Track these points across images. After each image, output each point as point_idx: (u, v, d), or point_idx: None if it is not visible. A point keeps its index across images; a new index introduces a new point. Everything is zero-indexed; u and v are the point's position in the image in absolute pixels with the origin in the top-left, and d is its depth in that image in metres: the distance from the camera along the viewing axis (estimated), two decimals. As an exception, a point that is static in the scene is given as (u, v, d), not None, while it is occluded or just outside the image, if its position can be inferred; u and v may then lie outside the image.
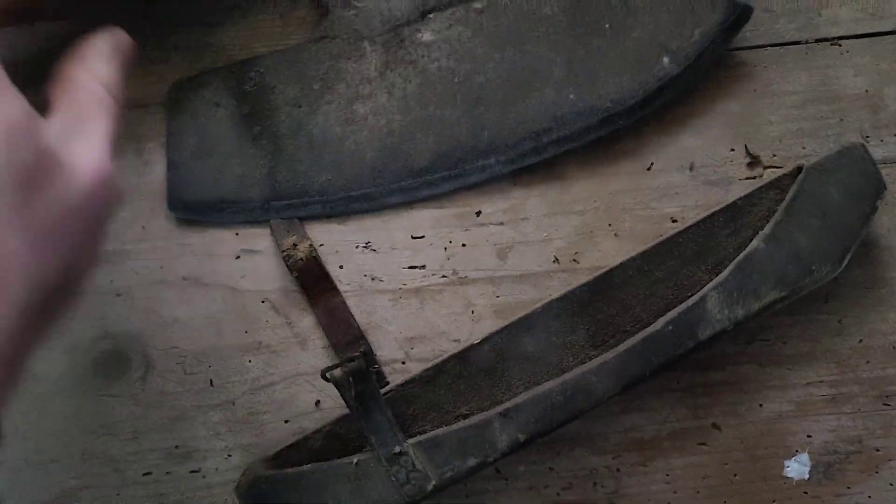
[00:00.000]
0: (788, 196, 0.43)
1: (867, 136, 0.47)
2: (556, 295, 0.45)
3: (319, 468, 0.41)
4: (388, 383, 0.45)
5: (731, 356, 0.47)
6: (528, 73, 0.46)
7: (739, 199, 0.45)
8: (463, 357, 0.44)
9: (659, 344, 0.42)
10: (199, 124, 0.46)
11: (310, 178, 0.46)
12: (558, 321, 0.44)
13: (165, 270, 0.47)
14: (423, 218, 0.47)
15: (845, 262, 0.43)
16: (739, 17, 0.45)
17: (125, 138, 0.47)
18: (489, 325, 0.47)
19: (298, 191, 0.46)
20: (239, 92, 0.46)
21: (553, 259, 0.48)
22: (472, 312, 0.47)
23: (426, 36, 0.45)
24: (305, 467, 0.42)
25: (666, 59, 0.45)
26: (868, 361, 0.47)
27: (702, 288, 0.43)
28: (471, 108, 0.46)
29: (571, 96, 0.45)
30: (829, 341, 0.47)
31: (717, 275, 0.43)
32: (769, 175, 0.47)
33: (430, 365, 0.44)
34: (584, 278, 0.45)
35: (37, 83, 0.34)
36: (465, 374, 0.44)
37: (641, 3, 0.45)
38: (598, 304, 0.45)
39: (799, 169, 0.44)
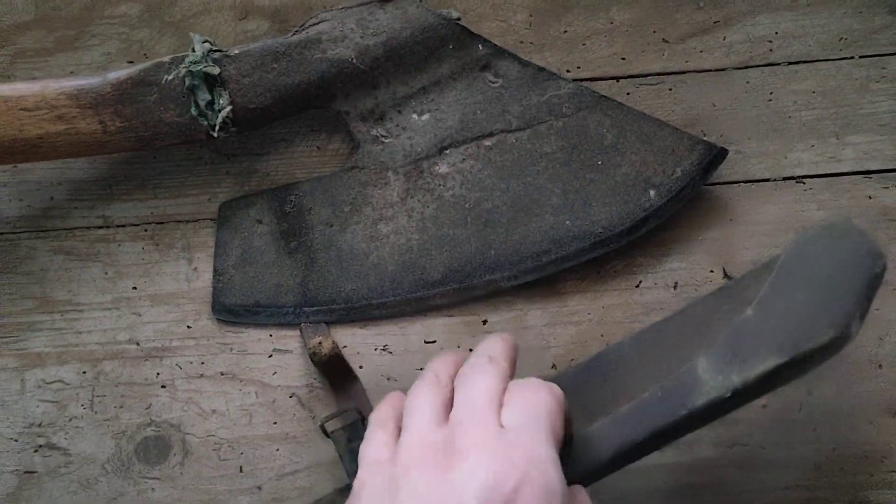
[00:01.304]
0: (780, 260, 0.42)
1: (831, 262, 0.55)
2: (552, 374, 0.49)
3: None
4: None
5: (712, 459, 0.53)
6: (529, 201, 0.54)
7: (734, 280, 0.46)
8: None
9: (649, 411, 0.40)
10: (243, 238, 0.54)
11: (337, 287, 0.54)
12: None
13: (206, 366, 0.54)
14: (435, 325, 0.55)
15: (852, 328, 0.39)
16: (715, 157, 0.53)
17: (179, 249, 0.55)
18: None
19: (326, 298, 0.54)
20: (280, 212, 0.54)
21: (551, 365, 0.54)
22: (478, 411, 0.54)
23: (443, 168, 0.54)
24: None
25: (651, 192, 0.53)
26: (842, 468, 0.53)
27: None
28: (480, 229, 0.54)
29: (567, 222, 0.54)
30: (805, 448, 0.53)
31: None
32: (744, 294, 0.55)
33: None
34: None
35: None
36: None
37: (630, 144, 0.54)
38: (591, 384, 0.46)
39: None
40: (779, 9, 0.57)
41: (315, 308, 0.54)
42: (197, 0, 0.56)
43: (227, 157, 0.56)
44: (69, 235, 0.55)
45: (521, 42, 0.57)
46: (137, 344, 0.54)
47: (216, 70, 0.50)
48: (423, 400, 0.40)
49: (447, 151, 0.54)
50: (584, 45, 0.57)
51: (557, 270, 0.54)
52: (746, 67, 0.57)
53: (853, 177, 0.56)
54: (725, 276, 0.55)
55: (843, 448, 0.53)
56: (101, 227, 0.56)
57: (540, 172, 0.54)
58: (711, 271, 0.55)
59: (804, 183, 0.56)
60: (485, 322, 0.55)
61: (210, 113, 0.50)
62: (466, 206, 0.54)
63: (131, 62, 0.56)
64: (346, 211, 0.54)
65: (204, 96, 0.50)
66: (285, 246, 0.54)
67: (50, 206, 0.56)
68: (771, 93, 0.56)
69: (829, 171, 0.56)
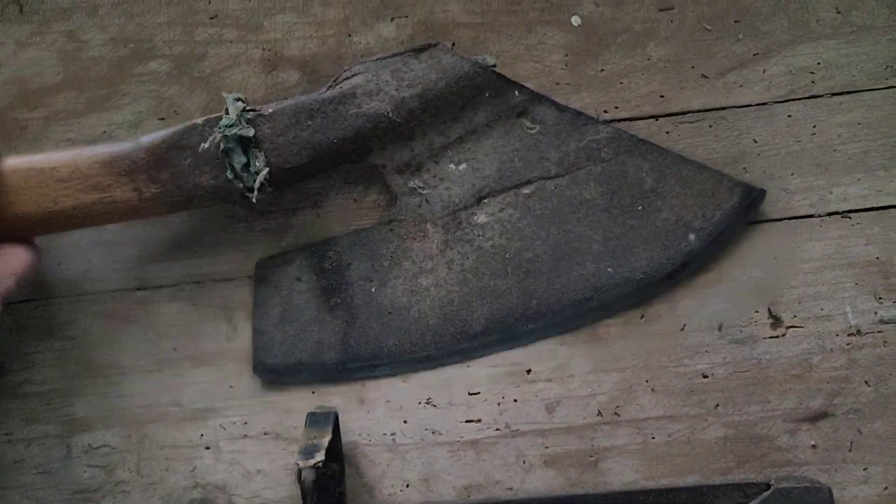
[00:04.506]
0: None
1: (881, 299, 0.56)
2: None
3: None
4: None
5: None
6: (570, 249, 0.56)
7: (707, 485, 0.54)
8: None
9: None
10: (282, 296, 0.57)
11: (379, 342, 0.56)
12: None
13: (249, 426, 0.57)
14: (478, 376, 0.57)
15: None
16: (754, 199, 0.55)
17: (218, 308, 0.57)
18: (539, 475, 0.55)
19: (369, 354, 0.56)
20: (319, 268, 0.56)
21: (597, 412, 0.56)
22: (524, 462, 0.56)
23: (481, 218, 0.56)
24: None
25: (692, 236, 0.55)
26: (894, 507, 0.55)
27: None
28: (521, 279, 0.56)
29: (609, 269, 0.55)
30: (856, 488, 0.55)
31: None
32: (791, 334, 0.56)
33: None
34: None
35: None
36: None
37: (669, 188, 0.55)
38: None
39: (768, 485, 0.53)
40: (820, 38, 0.58)
41: (357, 364, 0.56)
42: (225, 54, 0.58)
43: (262, 213, 0.58)
44: (108, 298, 0.58)
45: (557, 83, 0.58)
46: (180, 405, 0.57)
47: (251, 132, 0.51)
48: None
49: (485, 201, 0.56)
50: (621, 83, 0.58)
51: (599, 318, 0.56)
52: (788, 101, 0.58)
53: (903, 210, 0.57)
54: (770, 315, 0.57)
55: (895, 487, 0.55)
56: (139, 289, 0.58)
57: (580, 220, 0.56)
58: (756, 311, 0.57)
59: (850, 218, 0.57)
60: (528, 371, 0.57)
61: (246, 175, 0.52)
62: (507, 255, 0.56)
63: (162, 119, 0.58)
64: (385, 265, 0.56)
65: (239, 159, 0.51)
66: (326, 303, 0.56)
67: (88, 270, 0.58)
68: (814, 126, 0.58)
69: (877, 205, 0.57)
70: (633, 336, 0.57)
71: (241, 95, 0.53)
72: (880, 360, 0.56)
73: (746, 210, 0.55)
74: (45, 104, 0.58)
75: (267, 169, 0.52)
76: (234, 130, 0.51)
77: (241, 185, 0.52)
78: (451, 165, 0.56)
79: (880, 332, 0.56)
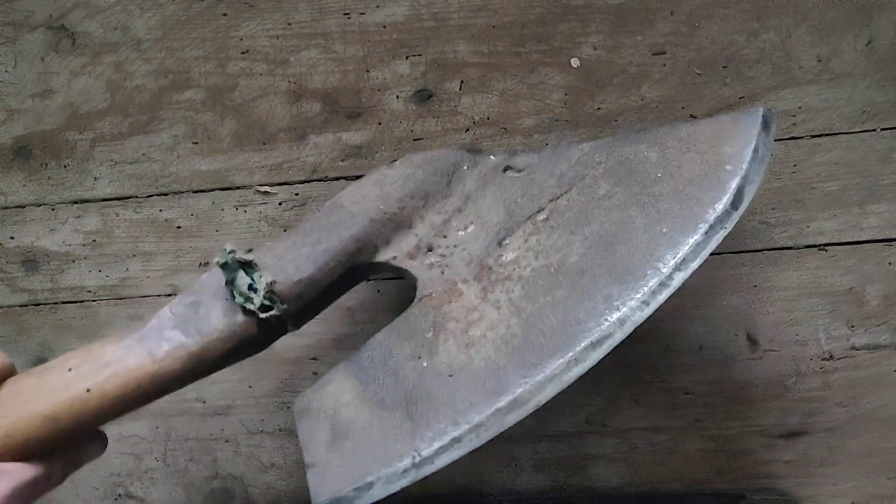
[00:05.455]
0: None
1: (853, 326, 0.61)
2: None
3: None
4: None
5: (736, 513, 0.60)
6: (613, 233, 0.52)
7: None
8: None
9: None
10: (328, 416, 0.52)
11: (452, 409, 0.49)
12: None
13: (266, 423, 0.62)
14: (476, 385, 0.62)
15: None
16: (765, 117, 0.52)
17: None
18: (529, 477, 0.60)
19: (444, 427, 0.48)
20: (360, 371, 0.53)
21: (585, 421, 0.61)
22: (515, 465, 0.61)
23: (509, 256, 0.55)
24: None
25: (728, 167, 0.51)
26: (864, 524, 0.59)
27: None
28: (577, 280, 0.51)
29: (664, 229, 0.50)
30: (829, 502, 0.60)
31: None
32: (768, 357, 0.61)
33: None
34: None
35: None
36: None
37: (677, 149, 0.52)
38: None
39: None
40: (802, 83, 0.63)
41: (435, 445, 0.48)
42: (254, 86, 0.64)
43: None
44: (143, 303, 0.64)
45: (557, 120, 0.64)
46: (204, 402, 0.63)
47: (251, 256, 0.51)
48: None
49: (506, 241, 0.56)
50: (616, 121, 0.64)
51: (685, 279, 0.49)
52: (771, 140, 0.63)
53: (876, 244, 0.61)
54: (748, 339, 0.62)
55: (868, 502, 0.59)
56: (170, 295, 0.64)
57: (608, 210, 0.53)
58: (735, 335, 0.62)
59: (826, 250, 0.62)
60: (522, 383, 0.62)
61: (254, 295, 0.50)
62: (552, 270, 0.52)
63: (196, 143, 0.65)
64: (428, 337, 0.52)
65: (244, 280, 0.50)
66: (376, 399, 0.51)
67: (125, 277, 0.64)
68: (794, 165, 0.63)
69: (851, 240, 0.62)
70: (620, 354, 0.62)
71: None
72: (854, 383, 0.61)
73: (763, 125, 0.52)
74: (92, 127, 0.65)
75: (272, 279, 0.50)
76: (233, 255, 0.50)
77: (252, 306, 0.50)
78: (460, 232, 0.57)
79: (852, 357, 0.61)
